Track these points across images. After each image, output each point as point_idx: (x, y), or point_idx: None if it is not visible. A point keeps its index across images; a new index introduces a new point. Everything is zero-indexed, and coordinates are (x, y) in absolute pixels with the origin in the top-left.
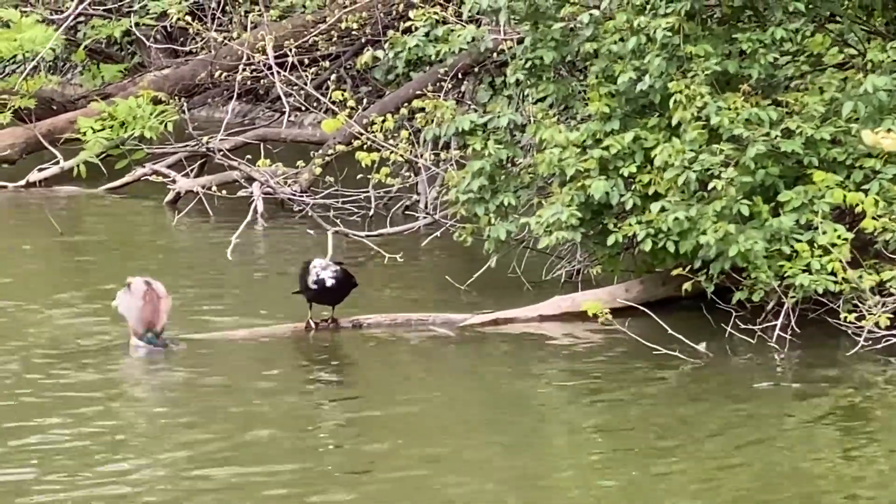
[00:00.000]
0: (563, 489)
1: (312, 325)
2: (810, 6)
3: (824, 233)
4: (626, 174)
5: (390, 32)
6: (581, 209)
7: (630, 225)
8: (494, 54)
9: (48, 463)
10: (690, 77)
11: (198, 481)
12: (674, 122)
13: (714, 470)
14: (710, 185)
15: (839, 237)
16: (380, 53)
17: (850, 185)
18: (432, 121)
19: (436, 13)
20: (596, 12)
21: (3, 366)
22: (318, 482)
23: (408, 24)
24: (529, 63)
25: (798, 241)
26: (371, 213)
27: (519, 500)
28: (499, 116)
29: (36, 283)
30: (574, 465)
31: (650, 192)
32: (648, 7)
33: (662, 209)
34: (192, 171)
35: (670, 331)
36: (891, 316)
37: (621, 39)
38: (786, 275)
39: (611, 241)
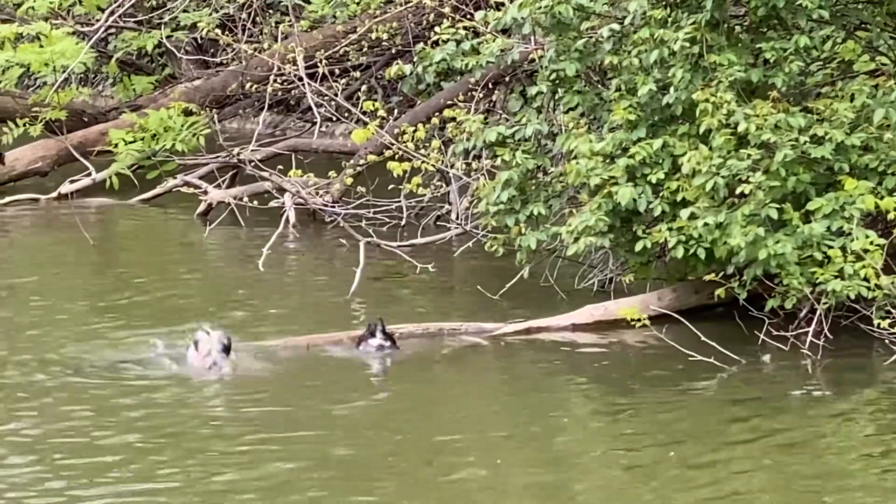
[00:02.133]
0: (594, 498)
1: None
2: (838, 14)
3: (856, 239)
4: (654, 181)
5: (420, 44)
6: (609, 216)
7: (659, 231)
8: (525, 63)
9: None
10: (714, 85)
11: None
12: (701, 130)
13: (747, 478)
14: (738, 190)
15: (872, 243)
16: (407, 68)
17: (882, 191)
18: (462, 132)
19: (464, 26)
20: (617, 27)
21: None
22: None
23: (436, 36)
24: (553, 75)
25: (830, 247)
26: (403, 223)
27: None
28: (525, 126)
29: (67, 296)
30: (606, 474)
31: (678, 198)
32: (671, 20)
33: (692, 216)
34: (223, 182)
35: (703, 338)
36: None
37: (643, 52)
38: (818, 281)
39: (639, 247)
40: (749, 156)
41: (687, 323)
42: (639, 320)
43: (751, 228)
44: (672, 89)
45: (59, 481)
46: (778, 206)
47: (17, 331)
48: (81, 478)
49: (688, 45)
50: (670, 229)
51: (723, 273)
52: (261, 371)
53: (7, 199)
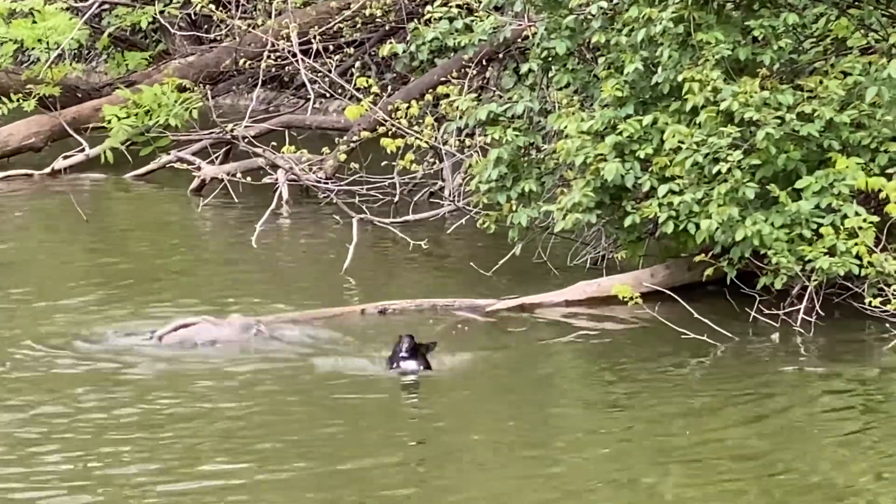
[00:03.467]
0: (584, 472)
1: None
2: None
3: (846, 217)
4: (642, 157)
5: (413, 21)
6: (598, 192)
7: (649, 206)
8: (518, 41)
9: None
10: (701, 63)
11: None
12: (687, 108)
13: (738, 458)
14: (715, 169)
15: (864, 220)
16: (400, 47)
17: (874, 168)
18: (455, 110)
19: (457, 4)
20: (606, 4)
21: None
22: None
23: (429, 14)
24: (545, 53)
25: (820, 224)
26: (396, 199)
27: (539, 485)
28: (516, 103)
29: (61, 272)
30: (595, 452)
31: (667, 174)
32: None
33: (670, 192)
34: (216, 158)
35: (696, 315)
36: None
37: (631, 31)
38: (807, 259)
39: (628, 222)
40: (729, 134)
41: (679, 300)
42: (631, 298)
43: (724, 209)
44: (660, 68)
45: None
46: (758, 185)
47: (9, 306)
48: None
49: (672, 25)
50: (660, 205)
51: (712, 252)
52: None
53: (1, 174)
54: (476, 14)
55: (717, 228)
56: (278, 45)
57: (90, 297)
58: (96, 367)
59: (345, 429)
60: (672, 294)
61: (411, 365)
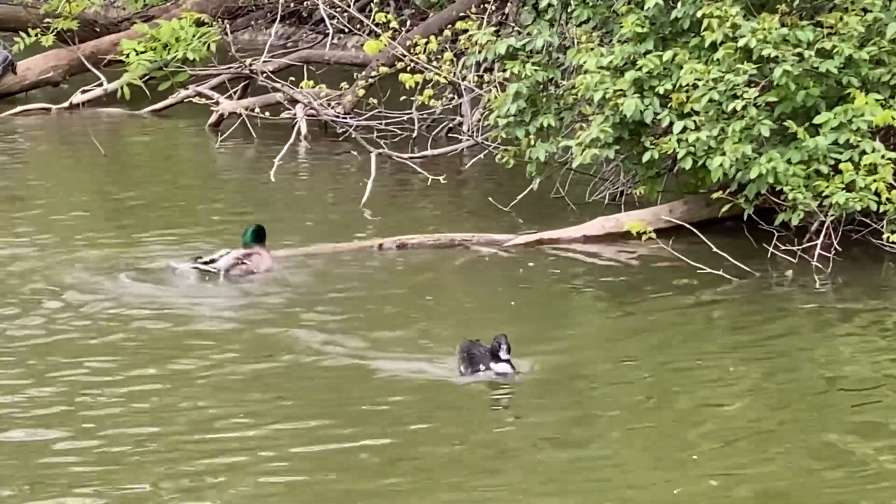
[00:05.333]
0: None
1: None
2: None
3: (864, 153)
4: (661, 92)
5: None
6: (617, 128)
7: (667, 142)
8: None
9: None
10: None
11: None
12: (706, 44)
13: (752, 392)
14: (731, 107)
15: (883, 157)
16: None
17: (893, 104)
18: (474, 45)
19: None
20: None
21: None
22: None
23: None
24: None
25: (838, 160)
26: (414, 134)
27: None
28: (535, 38)
29: (79, 206)
30: (614, 389)
31: (685, 110)
32: None
33: (685, 129)
34: (235, 93)
35: (715, 248)
36: None
37: None
38: (824, 195)
39: (646, 158)
40: (745, 71)
41: (699, 234)
42: (645, 233)
43: (739, 146)
44: (679, 3)
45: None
46: (776, 122)
47: (27, 243)
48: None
49: None
50: (679, 141)
51: (730, 188)
52: None
53: (19, 108)
54: None
55: (732, 166)
56: None
57: (106, 231)
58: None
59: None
60: (692, 228)
61: (506, 367)
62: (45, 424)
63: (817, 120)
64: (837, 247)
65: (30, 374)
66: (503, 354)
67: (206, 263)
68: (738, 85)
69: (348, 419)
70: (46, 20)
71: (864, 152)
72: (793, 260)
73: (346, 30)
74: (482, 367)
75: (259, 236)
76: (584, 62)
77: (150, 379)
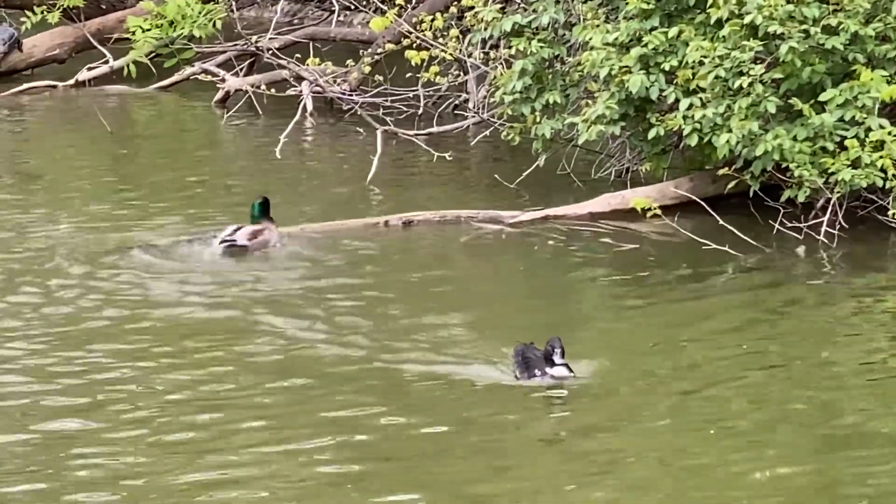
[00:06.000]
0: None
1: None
2: None
3: (870, 130)
4: (667, 69)
5: None
6: (622, 105)
7: (673, 118)
8: None
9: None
10: None
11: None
12: (712, 20)
13: (759, 369)
14: (737, 84)
15: (889, 133)
16: None
17: None
18: (480, 21)
19: None
20: None
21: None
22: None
23: None
24: None
25: (844, 137)
26: (420, 111)
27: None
28: (541, 15)
29: (84, 183)
30: (621, 357)
31: (692, 87)
32: None
33: (691, 105)
34: (241, 70)
35: (721, 222)
36: None
37: None
38: (830, 171)
39: (652, 134)
40: (751, 48)
41: (707, 207)
42: (650, 209)
43: (745, 123)
44: None
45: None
46: (781, 98)
47: (34, 218)
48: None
49: None
50: (685, 117)
51: (735, 165)
52: None
53: (25, 85)
54: None
55: (738, 143)
56: None
57: (112, 207)
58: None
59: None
60: (701, 201)
61: (564, 371)
62: (71, 412)
63: (823, 97)
64: (843, 223)
65: (54, 357)
66: (558, 358)
67: (223, 241)
68: (743, 62)
69: (389, 408)
70: None
71: (869, 129)
72: (798, 237)
73: (352, 6)
74: (538, 371)
75: (265, 209)
76: (590, 39)
77: (178, 365)
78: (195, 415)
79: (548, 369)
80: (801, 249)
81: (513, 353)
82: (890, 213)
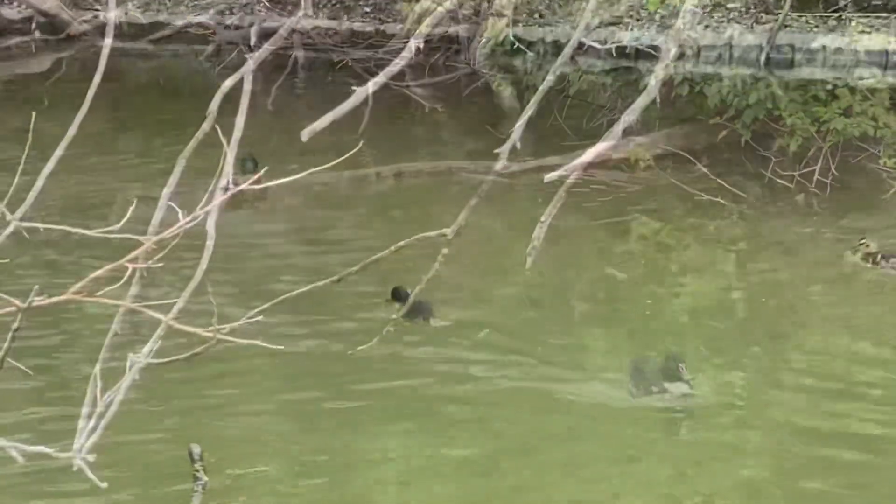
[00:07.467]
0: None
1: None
2: None
3: (861, 79)
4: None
5: None
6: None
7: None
8: None
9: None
10: None
11: None
12: None
13: (752, 320)
14: None
15: (879, 81)
16: None
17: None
18: None
19: None
20: None
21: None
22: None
23: None
24: None
25: (835, 86)
26: (412, 62)
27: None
28: None
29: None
30: (610, 305)
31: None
32: None
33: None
34: (232, 24)
35: (712, 176)
36: None
37: None
38: (822, 120)
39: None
40: None
41: (695, 161)
42: (643, 160)
43: (737, 70)
44: None
45: None
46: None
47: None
48: None
49: None
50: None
51: (727, 115)
52: None
53: (17, 38)
54: None
55: (729, 92)
56: None
57: (106, 164)
58: None
59: None
60: (688, 156)
61: (685, 388)
62: None
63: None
64: (835, 172)
65: None
66: (682, 374)
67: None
68: None
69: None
70: None
71: (860, 78)
72: (790, 185)
73: None
74: (654, 388)
75: (255, 164)
76: None
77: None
78: None
79: (666, 385)
80: (800, 197)
81: (629, 367)
82: (881, 161)
